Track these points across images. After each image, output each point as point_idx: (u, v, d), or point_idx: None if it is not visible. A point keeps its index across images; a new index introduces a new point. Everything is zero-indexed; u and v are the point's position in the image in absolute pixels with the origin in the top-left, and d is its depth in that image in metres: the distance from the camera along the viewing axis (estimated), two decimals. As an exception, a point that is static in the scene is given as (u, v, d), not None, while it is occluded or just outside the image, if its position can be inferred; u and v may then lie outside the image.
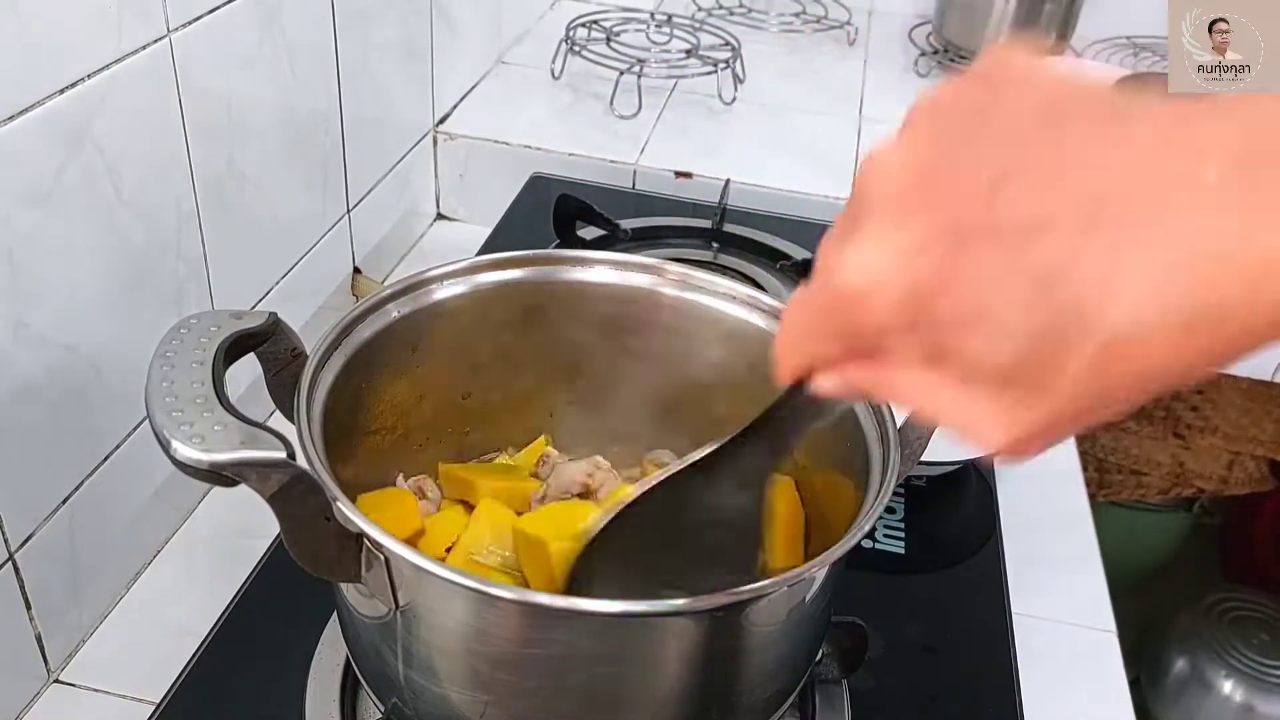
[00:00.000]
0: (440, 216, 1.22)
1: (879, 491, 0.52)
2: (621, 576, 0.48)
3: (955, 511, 0.86)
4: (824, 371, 0.33)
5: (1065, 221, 0.25)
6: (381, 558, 0.47)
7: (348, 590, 0.53)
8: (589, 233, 1.05)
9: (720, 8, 1.58)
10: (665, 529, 0.48)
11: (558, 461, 0.66)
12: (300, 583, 0.49)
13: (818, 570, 0.49)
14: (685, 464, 0.47)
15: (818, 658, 0.61)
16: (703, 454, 0.46)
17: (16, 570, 0.62)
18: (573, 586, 0.49)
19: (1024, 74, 0.29)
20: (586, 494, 0.62)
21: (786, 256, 1.04)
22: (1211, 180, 0.24)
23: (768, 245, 1.05)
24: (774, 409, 0.43)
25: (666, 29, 1.39)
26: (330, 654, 0.64)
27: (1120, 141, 0.26)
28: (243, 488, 0.44)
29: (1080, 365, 0.25)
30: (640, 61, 1.26)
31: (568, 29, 1.33)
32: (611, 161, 1.16)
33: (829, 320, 0.31)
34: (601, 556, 0.48)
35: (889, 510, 0.83)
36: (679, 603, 0.50)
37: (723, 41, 1.36)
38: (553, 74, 1.31)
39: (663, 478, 0.47)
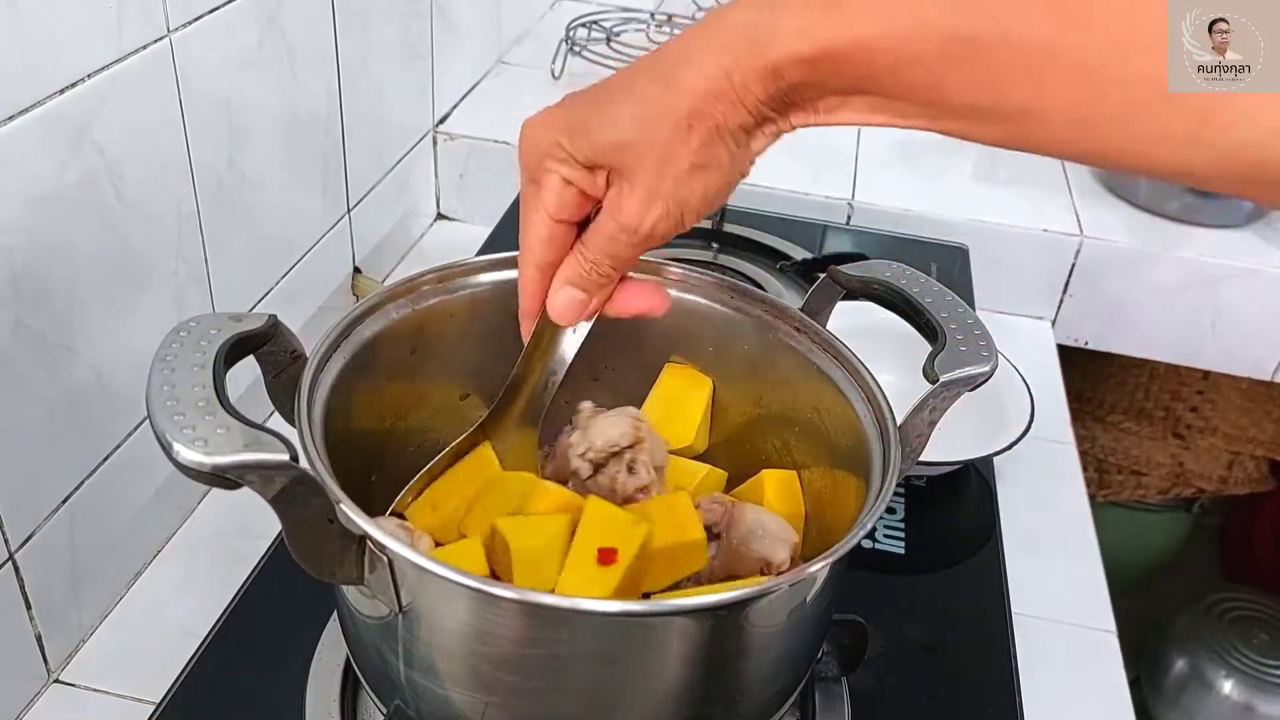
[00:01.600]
0: (440, 216, 1.22)
1: (879, 491, 0.52)
2: None
3: (955, 511, 0.86)
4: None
5: (638, 83, 0.45)
6: (384, 559, 0.47)
7: (349, 591, 0.53)
8: (589, 233, 1.04)
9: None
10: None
11: (592, 416, 0.64)
12: (300, 583, 0.49)
13: (819, 570, 0.50)
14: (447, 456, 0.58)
15: (818, 656, 0.61)
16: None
17: (16, 570, 0.62)
18: None
19: None
20: (635, 445, 0.61)
21: (786, 256, 1.04)
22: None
23: (768, 245, 1.05)
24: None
25: (666, 29, 1.39)
26: (330, 654, 0.64)
27: (646, 57, 0.46)
28: (243, 488, 0.44)
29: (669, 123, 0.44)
30: (640, 61, 1.26)
31: (568, 29, 1.33)
32: (611, 161, 1.16)
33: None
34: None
35: (889, 510, 0.83)
36: (680, 603, 0.50)
37: (722, 41, 1.36)
38: (553, 74, 1.31)
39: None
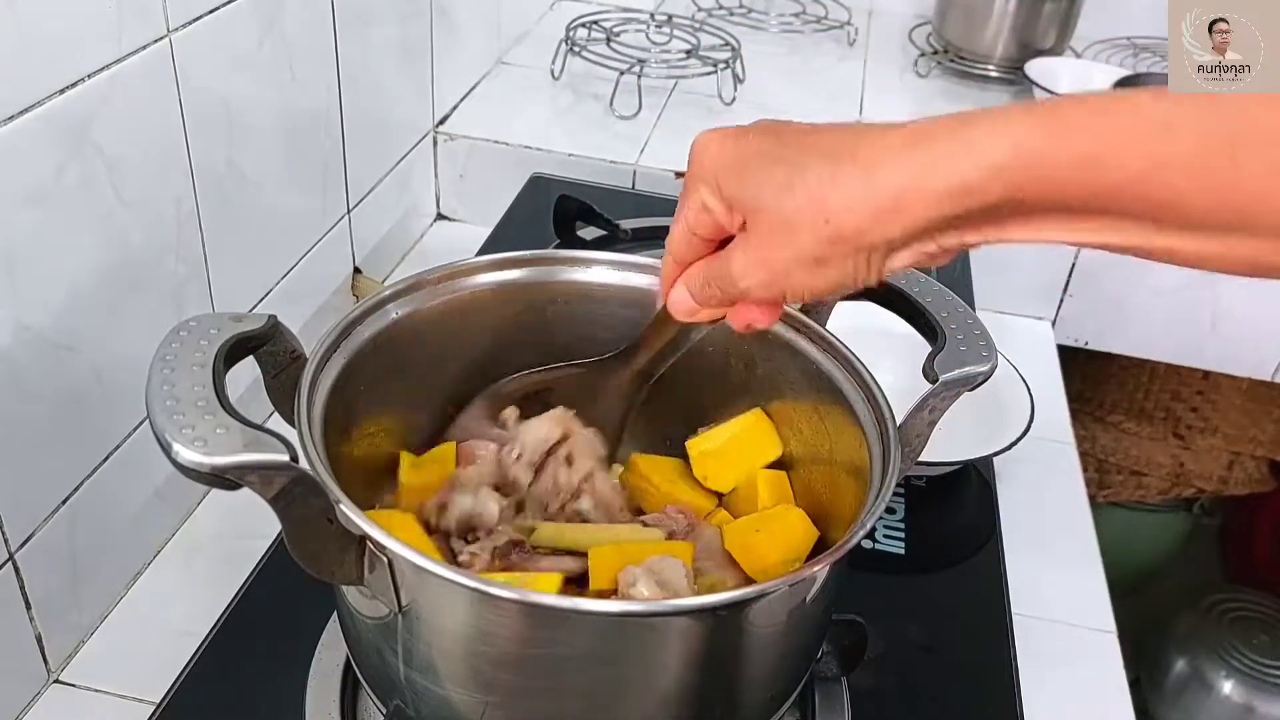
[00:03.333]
0: (440, 216, 1.22)
1: (879, 491, 0.52)
2: None
3: (955, 511, 0.86)
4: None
5: (807, 159, 0.42)
6: (384, 559, 0.47)
7: (348, 591, 0.53)
8: (589, 233, 1.05)
9: (720, 8, 1.58)
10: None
11: (517, 423, 0.63)
12: (300, 583, 0.49)
13: (818, 570, 0.50)
14: (573, 366, 0.60)
15: (817, 656, 0.61)
16: (591, 361, 0.60)
17: (16, 570, 0.62)
18: None
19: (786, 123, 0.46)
20: (565, 439, 0.60)
21: (786, 256, 1.04)
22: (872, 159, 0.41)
23: (768, 245, 1.05)
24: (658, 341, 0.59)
25: (666, 29, 1.39)
26: (330, 654, 0.64)
27: (839, 133, 0.43)
28: (242, 488, 0.44)
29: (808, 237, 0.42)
30: (640, 62, 1.26)
31: (568, 29, 1.33)
32: (611, 161, 1.16)
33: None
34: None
35: (889, 510, 0.83)
36: (680, 603, 0.50)
37: (723, 42, 1.36)
38: (553, 74, 1.31)
39: (555, 374, 0.61)
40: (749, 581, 0.59)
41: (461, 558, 0.56)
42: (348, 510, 0.46)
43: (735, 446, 0.65)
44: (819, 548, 0.60)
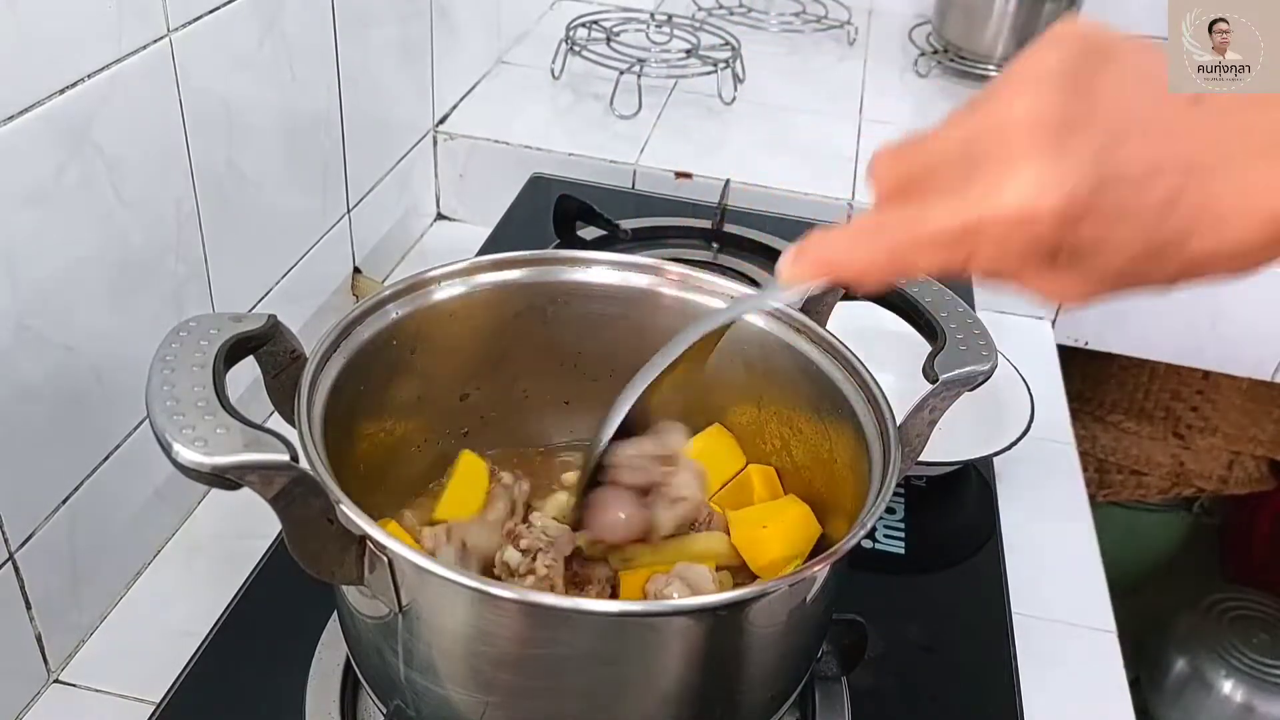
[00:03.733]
0: (440, 216, 1.22)
1: (879, 491, 0.52)
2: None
3: (955, 511, 0.86)
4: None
5: (1168, 176, 0.35)
6: (384, 559, 0.47)
7: (349, 591, 0.53)
8: (589, 233, 1.05)
9: (720, 8, 1.58)
10: None
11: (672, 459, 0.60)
12: (300, 583, 0.49)
13: (819, 570, 0.50)
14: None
15: (817, 656, 0.61)
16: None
17: (16, 570, 0.62)
18: None
19: (1120, 44, 0.37)
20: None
21: (786, 256, 1.04)
22: (1253, 154, 0.35)
23: (768, 245, 1.05)
24: None
25: (666, 29, 1.39)
26: (330, 654, 0.64)
27: (1200, 117, 0.36)
28: (243, 488, 0.44)
29: (1166, 273, 0.37)
30: (640, 61, 1.26)
31: (568, 29, 1.33)
32: (611, 161, 1.16)
33: (977, 234, 0.37)
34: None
35: (889, 510, 0.83)
36: (680, 603, 0.50)
37: (723, 41, 1.36)
38: (553, 74, 1.31)
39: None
40: (752, 578, 0.59)
41: (539, 571, 0.56)
42: (348, 510, 0.46)
43: (704, 460, 0.65)
44: (819, 546, 0.60)
